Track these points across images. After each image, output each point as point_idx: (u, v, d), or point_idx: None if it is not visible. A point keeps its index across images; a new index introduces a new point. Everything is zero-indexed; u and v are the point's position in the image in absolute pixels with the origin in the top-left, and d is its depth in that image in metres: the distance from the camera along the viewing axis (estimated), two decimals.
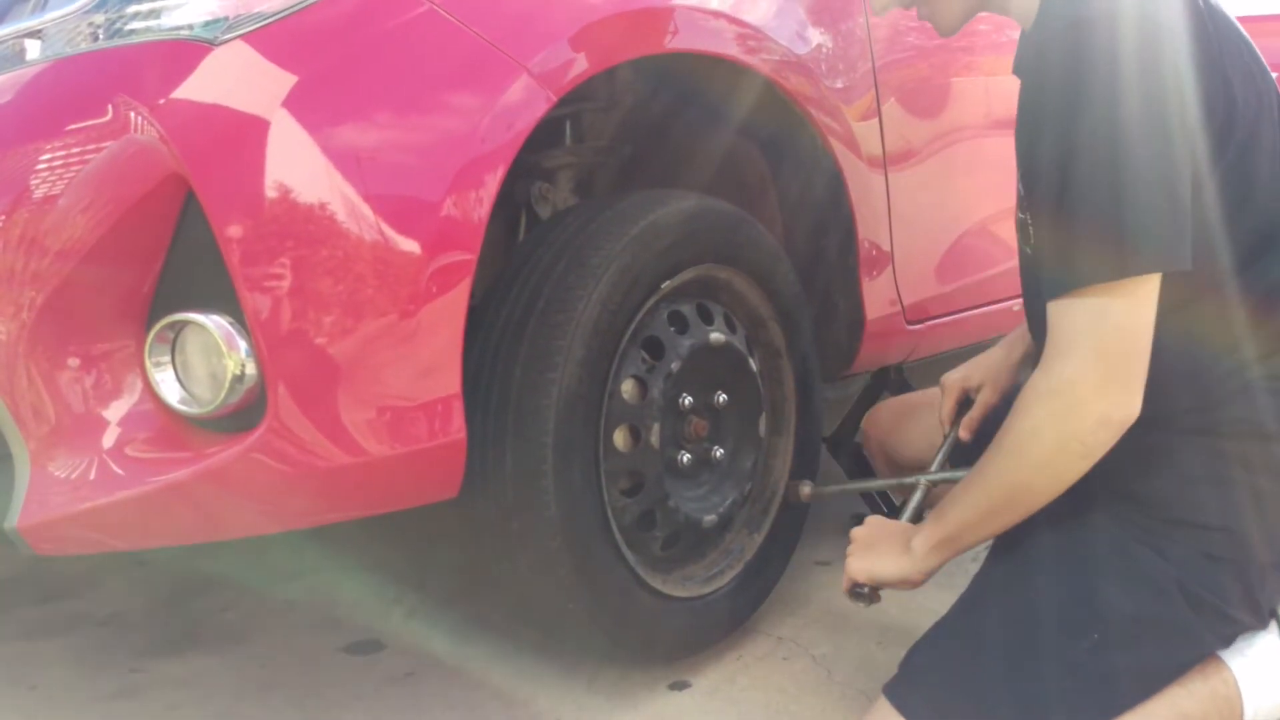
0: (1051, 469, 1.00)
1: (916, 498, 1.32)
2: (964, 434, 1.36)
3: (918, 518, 1.28)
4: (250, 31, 1.06)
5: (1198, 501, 1.02)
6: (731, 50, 1.43)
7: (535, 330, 1.24)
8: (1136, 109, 0.91)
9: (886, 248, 1.75)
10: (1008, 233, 2.00)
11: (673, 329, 1.40)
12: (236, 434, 1.06)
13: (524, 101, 1.17)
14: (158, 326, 1.06)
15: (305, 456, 1.06)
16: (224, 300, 1.03)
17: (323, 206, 1.04)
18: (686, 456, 1.43)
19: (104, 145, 1.03)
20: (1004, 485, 1.04)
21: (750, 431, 1.54)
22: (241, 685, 1.47)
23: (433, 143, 1.11)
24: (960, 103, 1.92)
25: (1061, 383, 0.96)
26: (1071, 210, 0.94)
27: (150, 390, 1.08)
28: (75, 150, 1.04)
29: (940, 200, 1.90)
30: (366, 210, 1.05)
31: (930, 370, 1.45)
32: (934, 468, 1.38)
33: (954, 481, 1.28)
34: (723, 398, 1.48)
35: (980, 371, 1.38)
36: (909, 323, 1.84)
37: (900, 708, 1.08)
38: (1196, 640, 1.05)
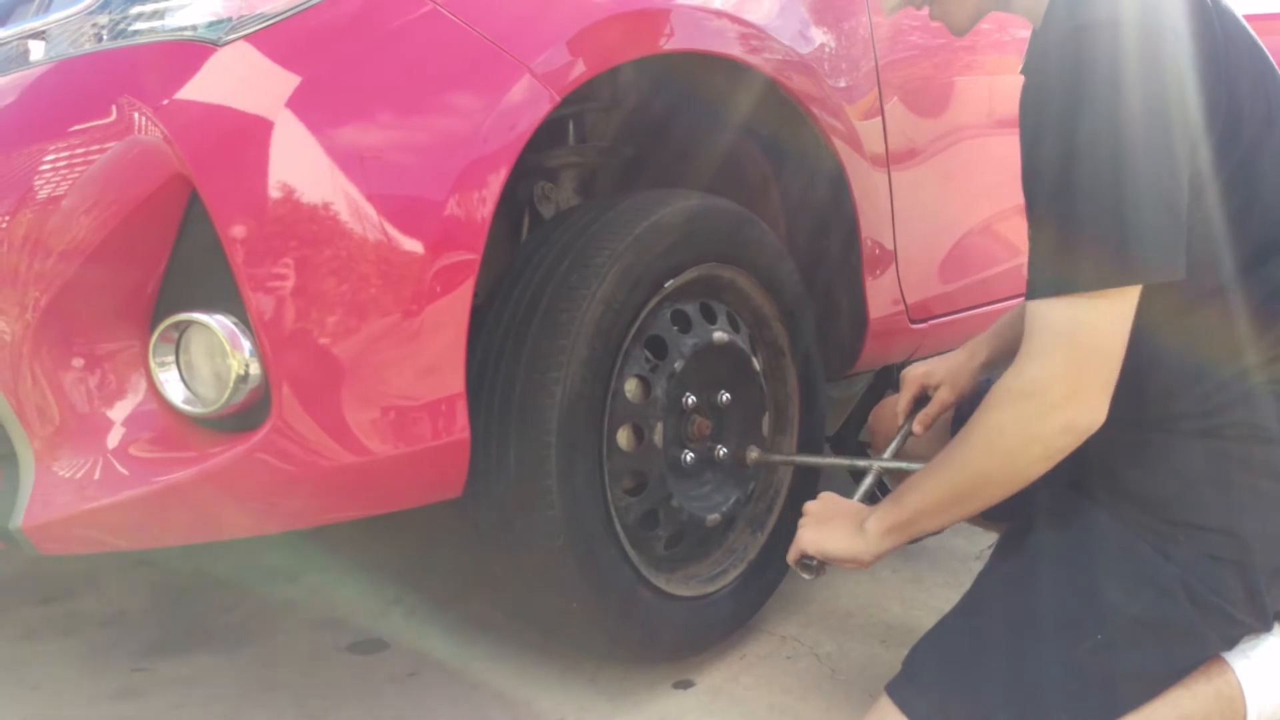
0: (1012, 467, 1.01)
1: (868, 481, 1.34)
2: (918, 428, 1.39)
3: (869, 500, 1.29)
4: (254, 32, 1.06)
5: (1201, 503, 1.02)
6: (734, 50, 1.43)
7: (539, 330, 1.24)
8: (1136, 116, 0.91)
9: (889, 246, 1.75)
10: (1010, 231, 2.00)
11: (676, 328, 1.40)
12: (240, 434, 1.06)
13: (527, 101, 1.17)
14: (162, 326, 1.06)
15: (309, 456, 1.06)
16: (228, 300, 1.03)
17: (326, 206, 1.04)
18: (690, 455, 1.43)
19: (108, 146, 1.03)
20: (964, 477, 1.05)
21: (754, 430, 1.54)
22: (244, 685, 1.47)
23: (436, 143, 1.11)
24: (963, 102, 1.92)
25: (1033, 385, 0.97)
26: (1066, 215, 0.94)
27: (154, 390, 1.08)
28: (79, 151, 1.04)
29: (943, 199, 1.90)
30: (370, 210, 1.06)
31: None
32: (888, 455, 1.40)
33: (905, 470, 1.32)
34: (726, 397, 1.48)
35: (942, 370, 1.39)
36: (912, 321, 1.84)
37: (902, 706, 1.08)
38: (1200, 641, 1.05)
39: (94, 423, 1.06)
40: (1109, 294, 0.93)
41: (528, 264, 1.30)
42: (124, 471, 1.05)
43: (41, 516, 1.05)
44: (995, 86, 1.99)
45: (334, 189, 1.04)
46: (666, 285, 1.36)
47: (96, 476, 1.05)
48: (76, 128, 1.05)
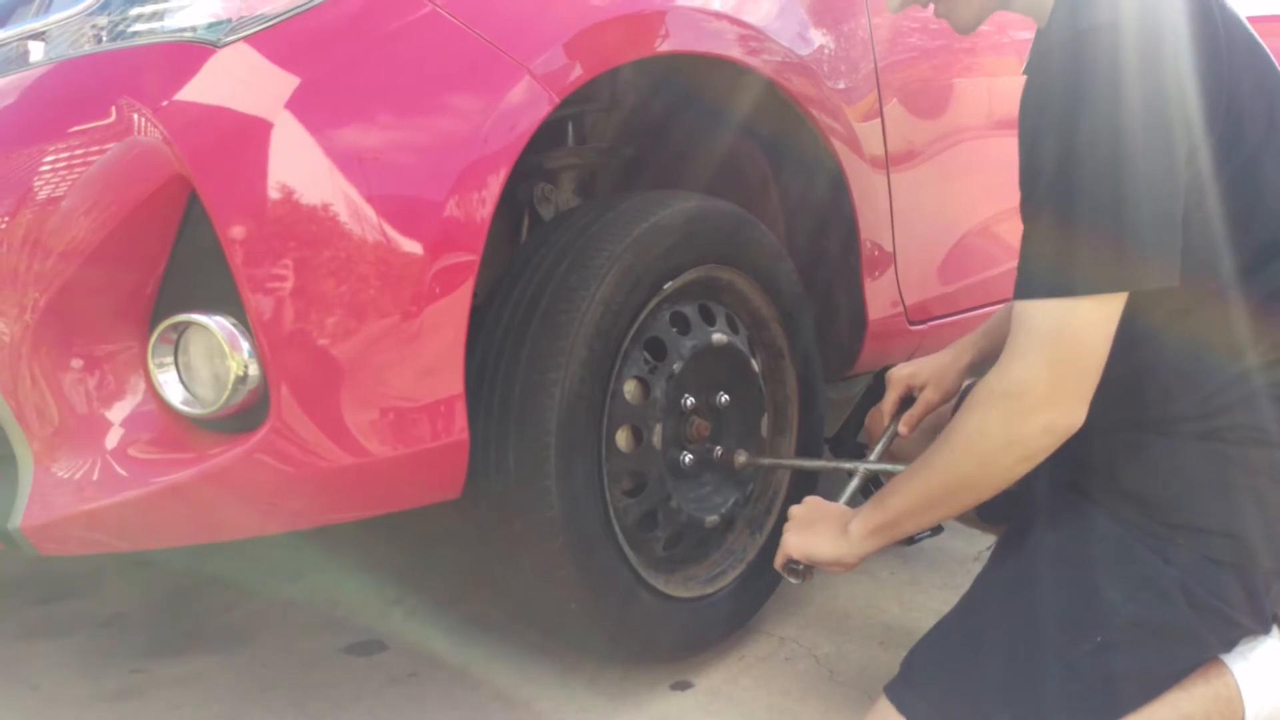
0: (993, 468, 1.02)
1: (854, 484, 1.34)
2: (903, 429, 1.39)
3: (855, 502, 1.29)
4: (253, 33, 1.06)
5: (1200, 506, 1.02)
6: (733, 52, 1.43)
7: (538, 331, 1.24)
8: (1136, 119, 0.91)
9: (889, 248, 1.75)
10: (1010, 233, 2.00)
11: (675, 330, 1.40)
12: (239, 435, 1.06)
13: (526, 103, 1.17)
14: (161, 327, 1.06)
15: (308, 457, 1.06)
16: (227, 301, 1.03)
17: (326, 208, 1.04)
18: (689, 457, 1.43)
19: (107, 147, 1.03)
20: (945, 479, 1.06)
21: (753, 432, 1.54)
22: (243, 686, 1.47)
23: (435, 144, 1.11)
24: (963, 103, 1.92)
25: (1015, 386, 0.97)
26: (1064, 218, 0.94)
27: (153, 391, 1.08)
28: (79, 152, 1.04)
29: (942, 200, 1.90)
30: (369, 211, 1.06)
31: None
32: (873, 457, 1.40)
33: (890, 472, 1.32)
34: (725, 398, 1.48)
35: (927, 371, 1.40)
36: (911, 323, 1.84)
37: (901, 708, 1.08)
38: (1199, 644, 1.05)
39: (93, 423, 1.06)
40: (1098, 297, 0.94)
41: (527, 265, 1.30)
42: (123, 472, 1.05)
43: (40, 517, 1.05)
44: (994, 88, 1.99)
45: (333, 190, 1.04)
46: (665, 287, 1.36)
47: (95, 477, 1.05)
48: (76, 129, 1.05)
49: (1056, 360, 0.95)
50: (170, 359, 1.07)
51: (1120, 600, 1.03)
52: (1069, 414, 0.97)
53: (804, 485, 1.58)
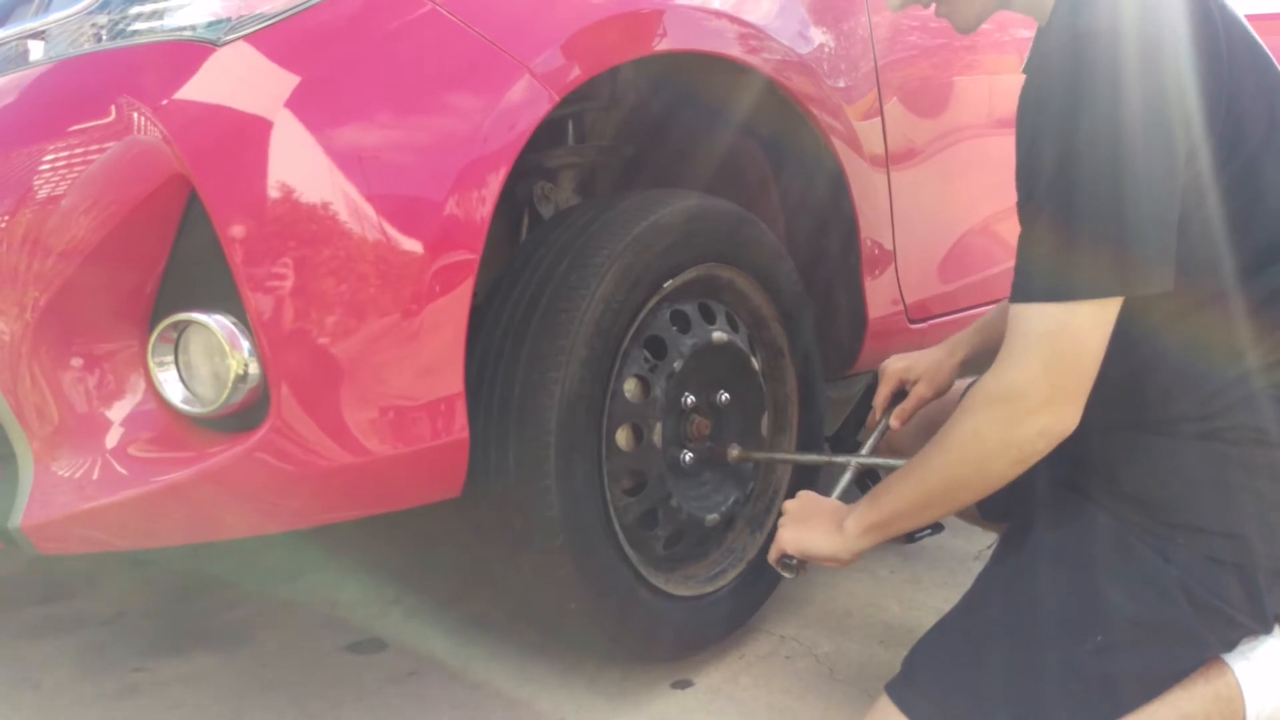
0: (987, 470, 1.02)
1: (846, 478, 1.34)
2: (895, 423, 1.39)
3: (848, 496, 1.30)
4: (253, 32, 1.06)
5: (1201, 506, 1.02)
6: (733, 50, 1.43)
7: (538, 330, 1.24)
8: (1136, 123, 0.91)
9: (889, 246, 1.75)
10: (1009, 232, 1.99)
11: (675, 328, 1.40)
12: (239, 434, 1.06)
13: (526, 101, 1.17)
14: (161, 326, 1.06)
15: (308, 456, 1.06)
16: (227, 300, 1.03)
17: (325, 206, 1.04)
18: (689, 455, 1.43)
19: (107, 146, 1.03)
20: (939, 480, 1.06)
21: (753, 431, 1.54)
22: (244, 684, 1.47)
23: (435, 143, 1.11)
24: (963, 102, 1.92)
25: (1011, 390, 0.98)
26: (1063, 222, 0.94)
27: (153, 390, 1.08)
28: (78, 151, 1.04)
29: (942, 199, 1.90)
30: (369, 210, 1.06)
31: None
32: (865, 451, 1.40)
33: (883, 466, 1.32)
34: (725, 397, 1.48)
35: (921, 366, 1.40)
36: (911, 321, 1.84)
37: (902, 706, 1.08)
38: (1200, 643, 1.05)
39: (93, 422, 1.06)
40: (1097, 302, 0.94)
41: (527, 264, 1.30)
42: (123, 471, 1.05)
43: (41, 516, 1.05)
44: (995, 86, 1.99)
45: (333, 189, 1.04)
46: (665, 285, 1.36)
47: (95, 476, 1.05)
48: (76, 128, 1.05)
49: (1053, 364, 0.96)
50: (170, 358, 1.07)
51: (1121, 599, 1.03)
52: (1064, 418, 0.97)
53: (803, 483, 1.58)
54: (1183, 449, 1.04)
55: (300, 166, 1.03)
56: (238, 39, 1.06)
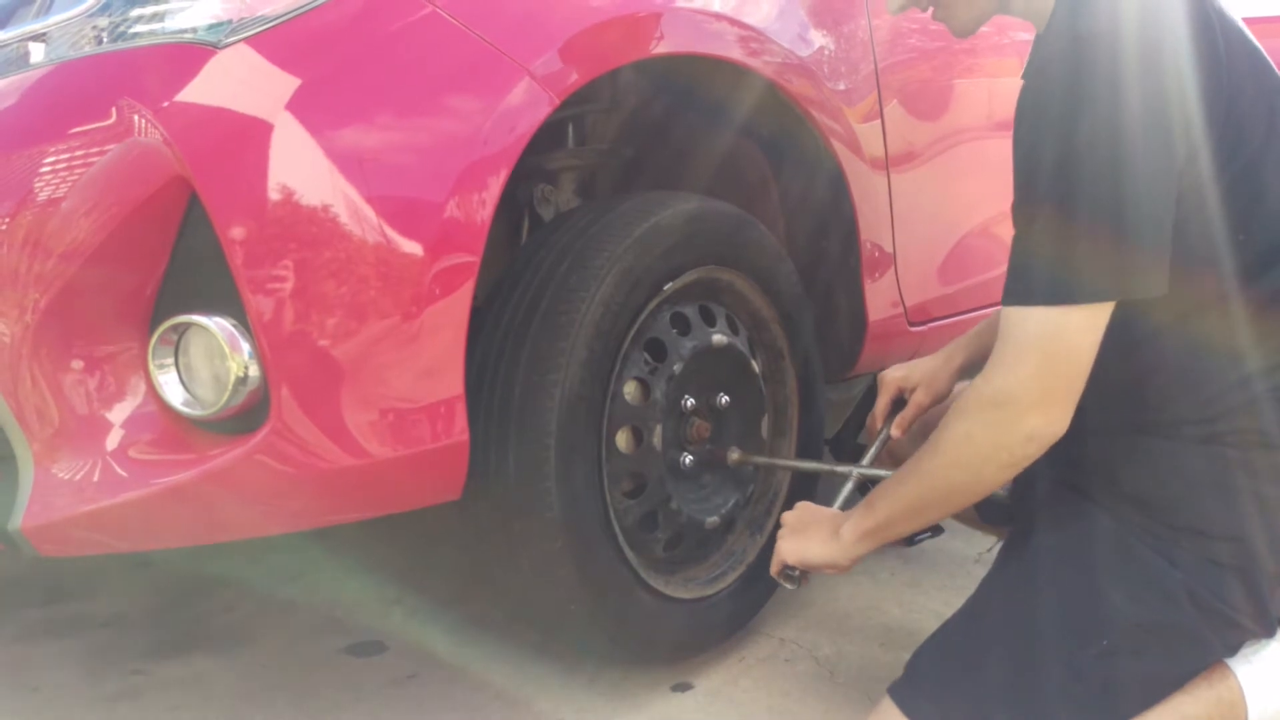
0: (979, 474, 1.03)
1: (848, 488, 1.34)
2: (896, 431, 1.39)
3: (849, 507, 1.30)
4: (254, 35, 1.06)
5: (1204, 509, 1.02)
6: (734, 53, 1.43)
7: (538, 332, 1.24)
8: (1136, 123, 0.91)
9: (889, 249, 1.75)
10: (1009, 234, 2.00)
11: (675, 330, 1.40)
12: (240, 436, 1.06)
13: (526, 104, 1.17)
14: (161, 329, 1.06)
15: (308, 458, 1.06)
16: (227, 302, 1.03)
17: (326, 209, 1.04)
18: (689, 458, 1.43)
19: (108, 148, 1.03)
20: (932, 484, 1.07)
21: (753, 433, 1.54)
22: (244, 686, 1.47)
23: (436, 145, 1.11)
24: (963, 104, 1.92)
25: (1001, 394, 0.98)
26: (1059, 221, 0.94)
27: (154, 392, 1.08)
28: (79, 153, 1.04)
29: (942, 201, 1.90)
30: (369, 212, 1.06)
31: None
32: (866, 461, 1.41)
33: (884, 478, 1.31)
34: (725, 399, 1.48)
35: (919, 374, 1.40)
36: (911, 324, 1.84)
37: (904, 709, 1.08)
38: (1203, 647, 1.05)
39: (93, 425, 1.06)
40: (1091, 305, 0.94)
41: (527, 266, 1.30)
42: (123, 473, 1.05)
43: (41, 518, 1.05)
44: (995, 89, 1.99)
45: (333, 191, 1.04)
46: (665, 287, 1.36)
47: (96, 478, 1.05)
48: (76, 130, 1.05)
49: (1045, 368, 0.96)
50: (171, 360, 1.07)
51: (1124, 603, 1.03)
52: (1054, 422, 0.97)
53: (804, 486, 1.58)
54: (1184, 452, 1.04)
55: (301, 169, 1.03)
56: (239, 41, 1.06)
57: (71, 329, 1.06)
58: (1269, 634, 1.07)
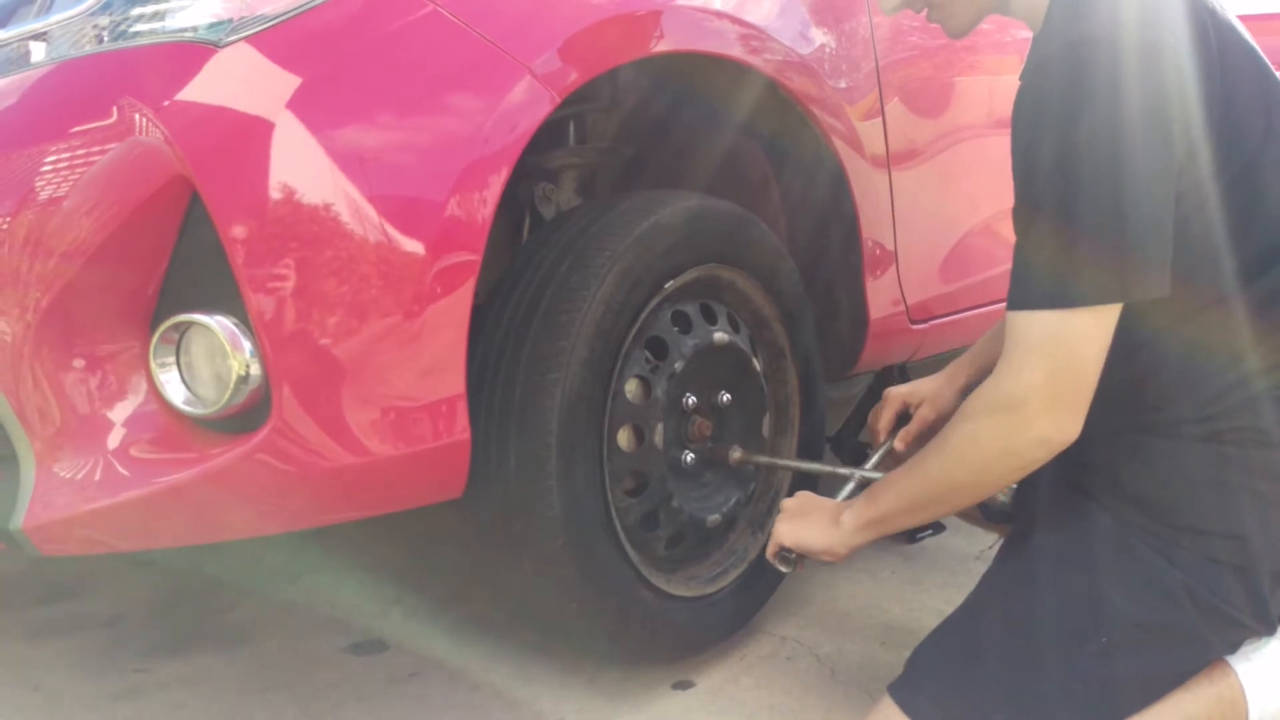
0: (985, 475, 1.03)
1: (848, 489, 1.34)
2: (900, 445, 1.40)
3: None
4: (255, 34, 1.06)
5: (1203, 508, 1.02)
6: (735, 51, 1.43)
7: (539, 330, 1.24)
8: (1135, 123, 0.91)
9: (890, 247, 1.75)
10: (1011, 232, 2.00)
11: (676, 329, 1.40)
12: (241, 435, 1.06)
13: (527, 102, 1.17)
14: (162, 327, 1.06)
15: (309, 457, 1.06)
16: (228, 301, 1.03)
17: (327, 207, 1.04)
18: (690, 456, 1.43)
19: (109, 147, 1.03)
20: (937, 482, 1.07)
21: (754, 431, 1.54)
22: (245, 685, 1.47)
23: (436, 144, 1.11)
24: (964, 102, 1.92)
25: (1011, 398, 0.98)
26: (1059, 222, 0.94)
27: (155, 391, 1.08)
28: (80, 152, 1.04)
29: (944, 199, 1.90)
30: (370, 211, 1.06)
31: (934, 370, 1.46)
32: (869, 465, 1.41)
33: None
34: (726, 397, 1.48)
35: (924, 390, 1.42)
36: (913, 322, 1.84)
37: (904, 707, 1.08)
38: (1203, 645, 1.05)
39: (95, 423, 1.06)
40: (1097, 308, 0.94)
41: (528, 265, 1.30)
42: (125, 472, 1.05)
43: (42, 517, 1.05)
44: (996, 87, 1.99)
45: (334, 190, 1.04)
46: (667, 286, 1.36)
47: (97, 477, 1.05)
48: (78, 129, 1.05)
49: (1054, 373, 0.95)
50: (172, 359, 1.07)
51: (1124, 602, 1.03)
52: (1065, 427, 0.97)
53: (805, 484, 1.58)
54: (1184, 451, 1.04)
55: (302, 167, 1.03)
56: (239, 40, 1.06)
57: (73, 328, 1.06)
58: (1269, 632, 1.07)
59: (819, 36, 1.60)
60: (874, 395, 1.99)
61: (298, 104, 1.04)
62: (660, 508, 1.38)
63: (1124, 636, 1.02)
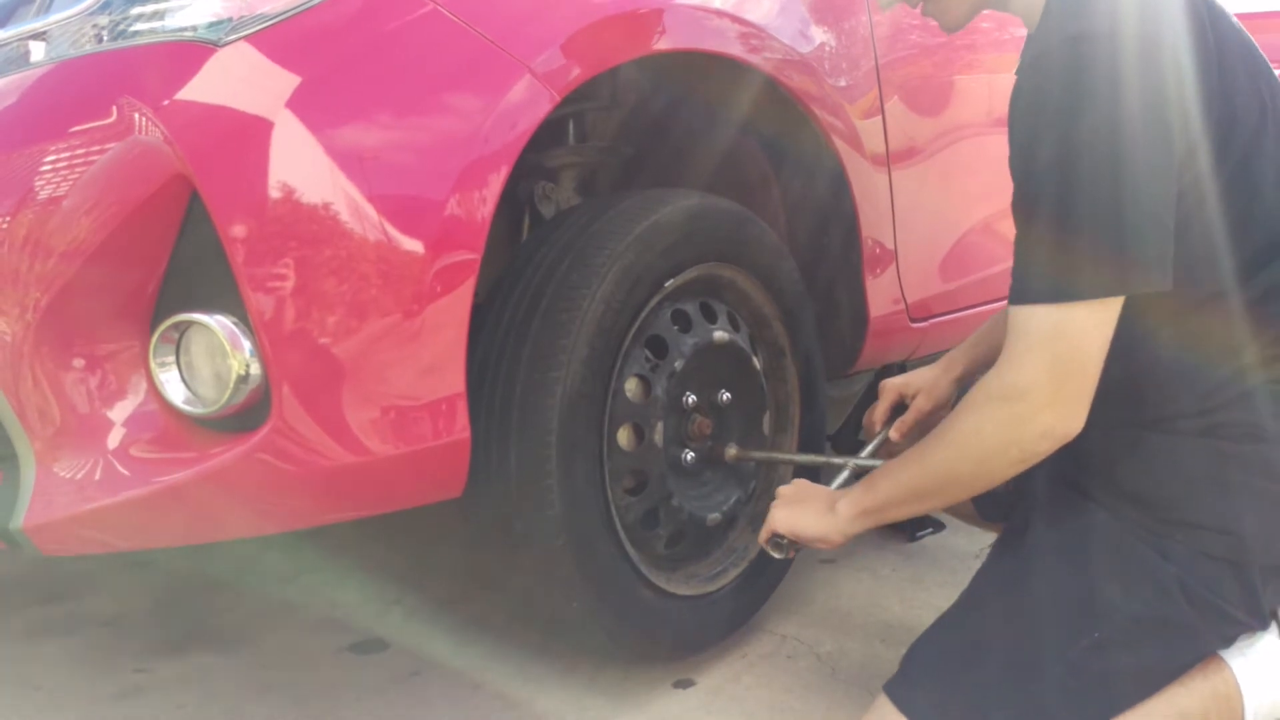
0: (986, 467, 1.02)
1: (843, 477, 1.35)
2: (895, 435, 1.40)
3: None
4: (254, 33, 1.06)
5: (1198, 503, 1.02)
6: (734, 49, 1.43)
7: (539, 329, 1.24)
8: (1136, 119, 0.91)
9: (890, 245, 1.75)
10: (1011, 230, 2.00)
11: (676, 327, 1.40)
12: (241, 434, 1.06)
13: (527, 101, 1.17)
14: (162, 327, 1.06)
15: (309, 456, 1.06)
16: (228, 300, 1.03)
17: (326, 206, 1.04)
18: (690, 455, 1.43)
19: (109, 146, 1.03)
20: (937, 473, 1.06)
21: (754, 430, 1.54)
22: (244, 685, 1.47)
23: (436, 142, 1.11)
24: (963, 100, 1.92)
25: (1014, 390, 0.97)
26: (1059, 217, 0.94)
27: (155, 391, 1.08)
28: (80, 151, 1.04)
29: (944, 198, 1.90)
30: (370, 210, 1.06)
31: None
32: (864, 454, 1.41)
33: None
34: (726, 396, 1.48)
35: (919, 381, 1.42)
36: (912, 320, 1.84)
37: (901, 705, 1.08)
38: (1197, 640, 1.05)
39: (94, 423, 1.06)
40: (1098, 301, 0.94)
41: (528, 263, 1.30)
42: (125, 472, 1.05)
43: (42, 517, 1.05)
44: (995, 85, 1.99)
45: (334, 189, 1.04)
46: (667, 284, 1.36)
47: (97, 477, 1.05)
48: (77, 128, 1.05)
49: (1057, 366, 0.95)
50: (172, 358, 1.07)
51: (1119, 597, 1.03)
52: (1069, 420, 0.97)
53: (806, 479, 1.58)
54: (1180, 446, 1.04)
55: (301, 166, 1.03)
56: (239, 39, 1.06)
57: (73, 327, 1.06)
58: (1262, 626, 1.07)
59: (819, 35, 1.60)
60: (874, 394, 1.99)
61: (297, 103, 1.04)
62: (660, 506, 1.38)
63: (1118, 631, 1.02)
